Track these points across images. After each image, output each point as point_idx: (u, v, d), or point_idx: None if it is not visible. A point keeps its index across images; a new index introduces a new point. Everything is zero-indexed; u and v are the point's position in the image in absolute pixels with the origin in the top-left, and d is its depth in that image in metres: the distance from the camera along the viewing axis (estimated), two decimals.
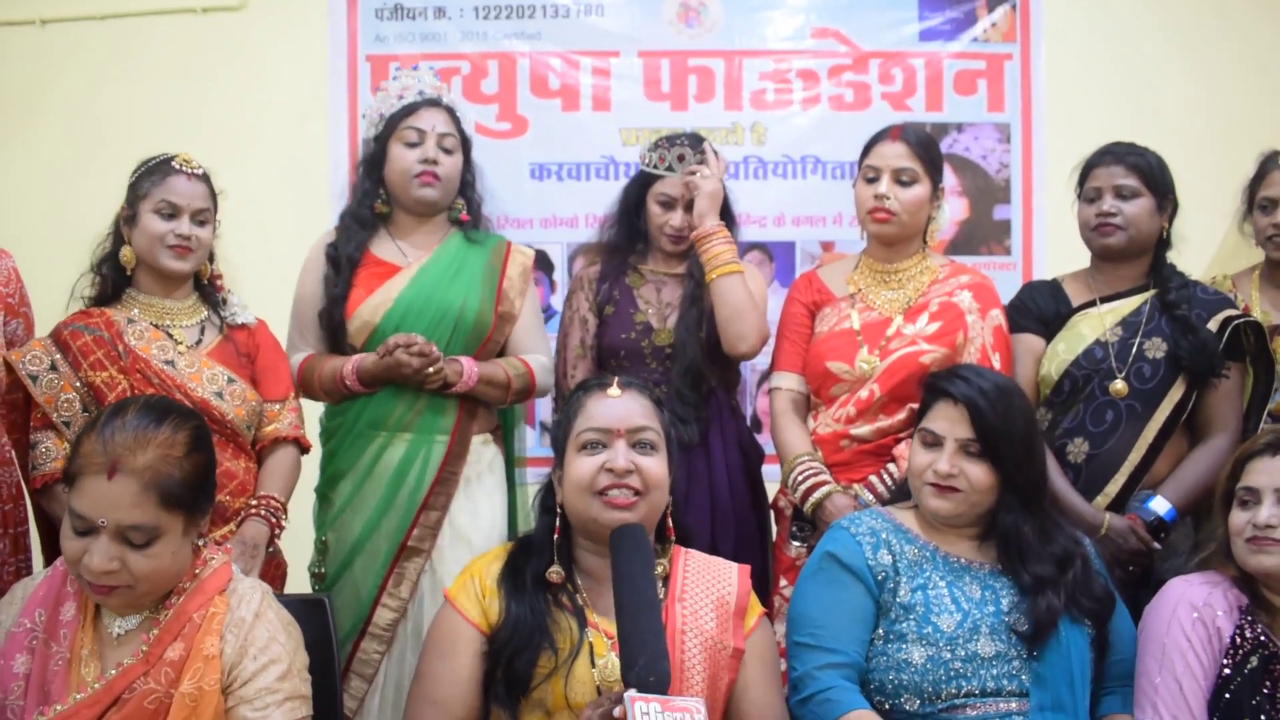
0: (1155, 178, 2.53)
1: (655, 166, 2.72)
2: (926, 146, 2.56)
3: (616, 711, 1.49)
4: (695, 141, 2.73)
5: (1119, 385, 2.47)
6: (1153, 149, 2.60)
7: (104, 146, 3.55)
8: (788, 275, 3.54)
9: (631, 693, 1.48)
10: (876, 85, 3.62)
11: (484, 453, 2.61)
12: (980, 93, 3.64)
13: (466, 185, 2.69)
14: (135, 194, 2.36)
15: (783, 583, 2.59)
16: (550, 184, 3.58)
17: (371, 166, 2.64)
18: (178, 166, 2.37)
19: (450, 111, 2.65)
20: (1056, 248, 3.64)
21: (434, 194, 2.59)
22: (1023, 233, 3.66)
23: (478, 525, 2.53)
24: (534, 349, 2.65)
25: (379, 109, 2.64)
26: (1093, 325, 2.54)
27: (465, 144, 2.67)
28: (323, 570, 2.56)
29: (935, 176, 2.57)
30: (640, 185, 2.77)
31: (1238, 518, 1.93)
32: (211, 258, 2.46)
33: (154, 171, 2.36)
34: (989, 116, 3.64)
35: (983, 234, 3.63)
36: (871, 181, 2.54)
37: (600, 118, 3.57)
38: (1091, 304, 2.57)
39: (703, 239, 2.63)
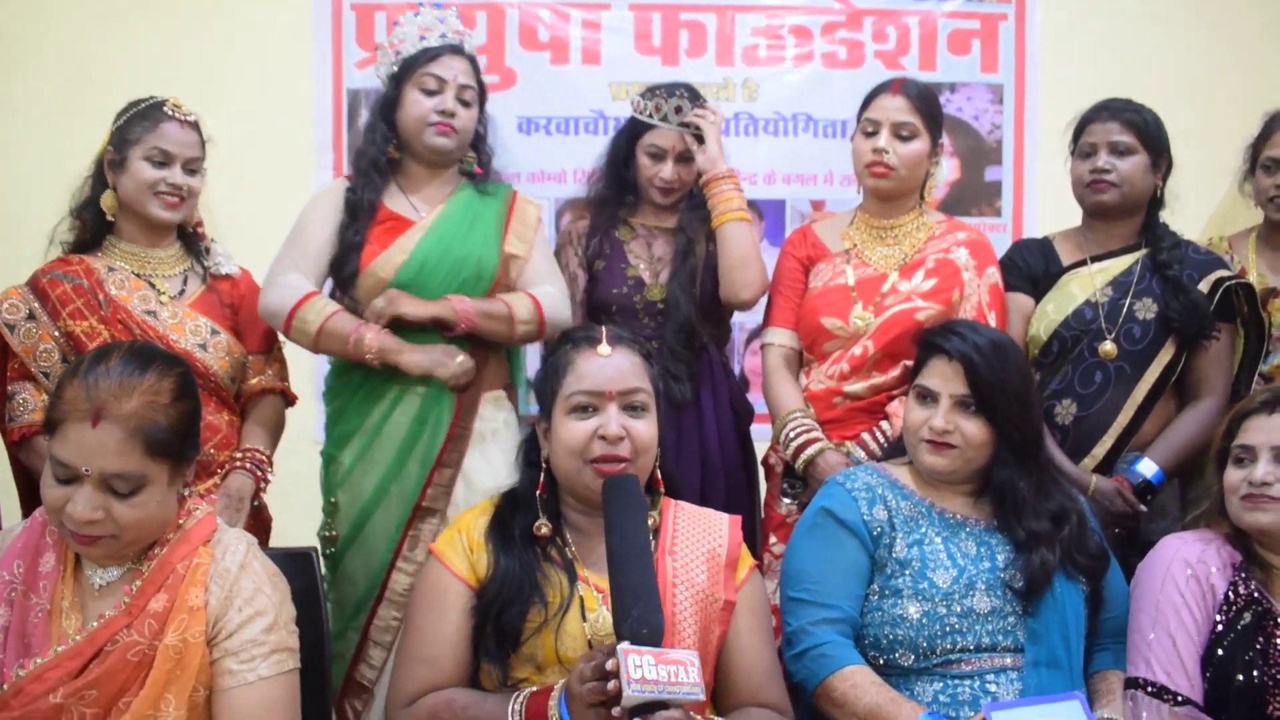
0: (1151, 135, 2.51)
1: (650, 115, 2.67)
2: (927, 101, 2.52)
3: (609, 664, 1.46)
4: (693, 94, 2.69)
5: (1108, 347, 2.45)
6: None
7: (85, 91, 3.44)
8: (777, 234, 3.50)
9: (625, 645, 1.46)
10: (870, 43, 3.56)
11: (497, 412, 2.54)
12: (974, 53, 3.59)
13: (479, 138, 2.60)
14: (124, 138, 2.29)
15: (773, 540, 2.58)
16: (538, 138, 3.51)
17: (386, 109, 2.52)
18: (170, 112, 2.31)
19: (472, 61, 2.53)
20: (1047, 210, 3.61)
21: (449, 144, 2.48)
22: (1014, 194, 3.63)
23: (495, 483, 2.42)
24: (543, 280, 2.54)
25: (397, 47, 2.51)
26: (1083, 285, 2.52)
27: (482, 95, 2.57)
28: (334, 533, 2.48)
29: (935, 132, 2.53)
30: (629, 137, 2.72)
31: (1233, 475, 1.93)
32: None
33: (145, 116, 2.29)
34: (982, 77, 3.59)
35: (973, 195, 3.60)
36: (870, 135, 2.50)
37: (590, 71, 3.50)
38: (1082, 263, 2.55)
39: (715, 181, 2.59)
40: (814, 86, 3.54)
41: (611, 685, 1.44)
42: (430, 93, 2.46)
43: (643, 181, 2.70)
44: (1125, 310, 2.46)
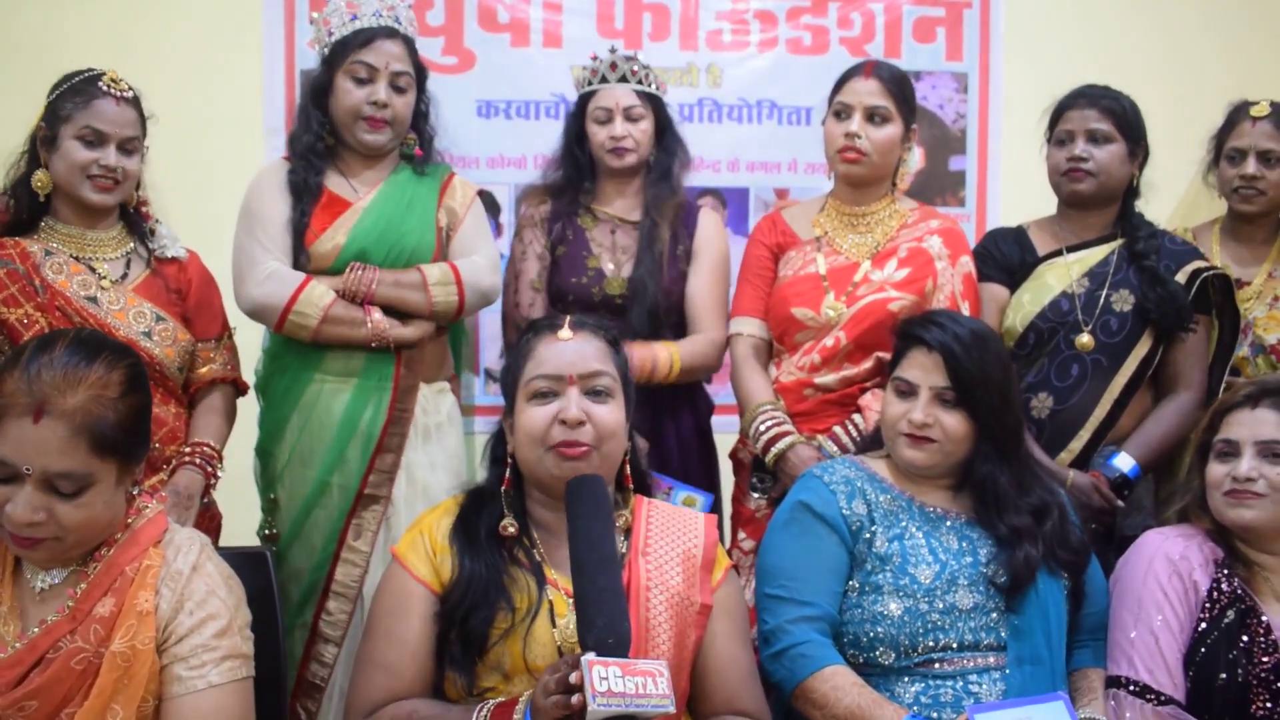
0: (1129, 123, 2.48)
1: (590, 82, 2.64)
2: (900, 84, 2.46)
3: (574, 677, 1.38)
4: (627, 56, 2.65)
5: (1085, 339, 2.42)
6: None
7: (21, 62, 3.31)
8: (740, 222, 3.45)
9: (590, 656, 1.38)
10: (835, 29, 3.53)
11: (442, 403, 2.47)
12: (939, 41, 3.57)
13: (420, 118, 2.51)
14: (56, 115, 2.16)
15: (741, 535, 2.53)
16: (498, 122, 3.43)
17: (318, 95, 2.43)
18: (105, 88, 2.17)
19: (407, 42, 2.43)
20: (1012, 199, 3.61)
21: (381, 139, 2.41)
22: (978, 184, 3.62)
23: (437, 478, 2.39)
24: (470, 249, 2.46)
25: (328, 24, 2.41)
26: (1059, 275, 2.49)
27: (420, 75, 2.47)
28: (274, 530, 2.41)
29: (908, 116, 2.48)
30: (578, 115, 2.67)
31: (1216, 470, 1.90)
32: (138, 185, 2.27)
33: (78, 92, 2.16)
34: (947, 65, 3.58)
35: (938, 184, 3.58)
36: (842, 119, 2.44)
37: (550, 54, 3.43)
38: (1058, 253, 2.52)
39: (648, 375, 2.50)
40: (778, 72, 3.51)
41: (576, 699, 1.37)
42: (361, 81, 2.37)
43: (597, 152, 2.63)
44: (1102, 302, 2.44)
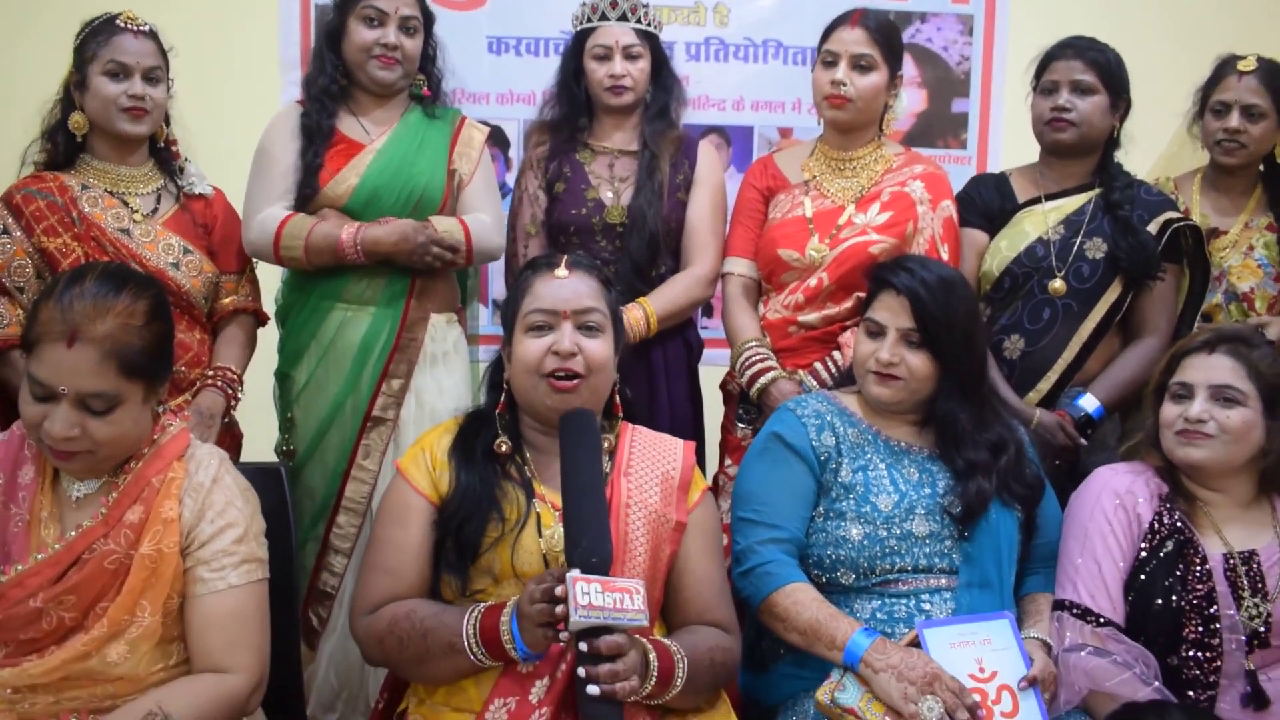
0: (1113, 75, 2.55)
1: (589, 19, 2.70)
2: (886, 33, 2.55)
3: (559, 590, 1.55)
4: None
5: (1057, 284, 2.52)
6: (1112, 46, 2.61)
7: (47, 8, 3.41)
8: (745, 160, 3.52)
9: (574, 573, 1.54)
10: None
11: (449, 332, 2.62)
12: None
13: (428, 60, 2.63)
14: (82, 57, 2.31)
15: (728, 462, 2.67)
16: (508, 58, 3.50)
17: (331, 38, 2.56)
18: (122, 25, 2.31)
19: None
20: (1013, 143, 3.63)
21: (391, 76, 2.53)
22: (979, 127, 3.66)
23: (444, 402, 2.53)
24: (479, 206, 2.60)
25: None
26: (1036, 223, 2.58)
27: (428, 20, 2.59)
28: (291, 447, 2.57)
29: (894, 64, 2.56)
30: (576, 52, 2.73)
31: (1169, 411, 2.02)
32: (167, 120, 2.42)
33: (98, 32, 2.31)
34: (952, 8, 3.60)
35: (940, 127, 3.63)
36: (829, 67, 2.53)
37: None
38: (1036, 201, 2.61)
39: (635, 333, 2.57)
40: (785, 13, 3.54)
41: (559, 609, 1.54)
42: (372, 23, 2.48)
43: (594, 89, 2.69)
44: (1076, 249, 2.53)
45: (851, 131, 2.59)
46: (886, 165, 2.60)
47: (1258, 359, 1.97)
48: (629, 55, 2.67)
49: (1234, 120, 2.66)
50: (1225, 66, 2.72)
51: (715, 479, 2.73)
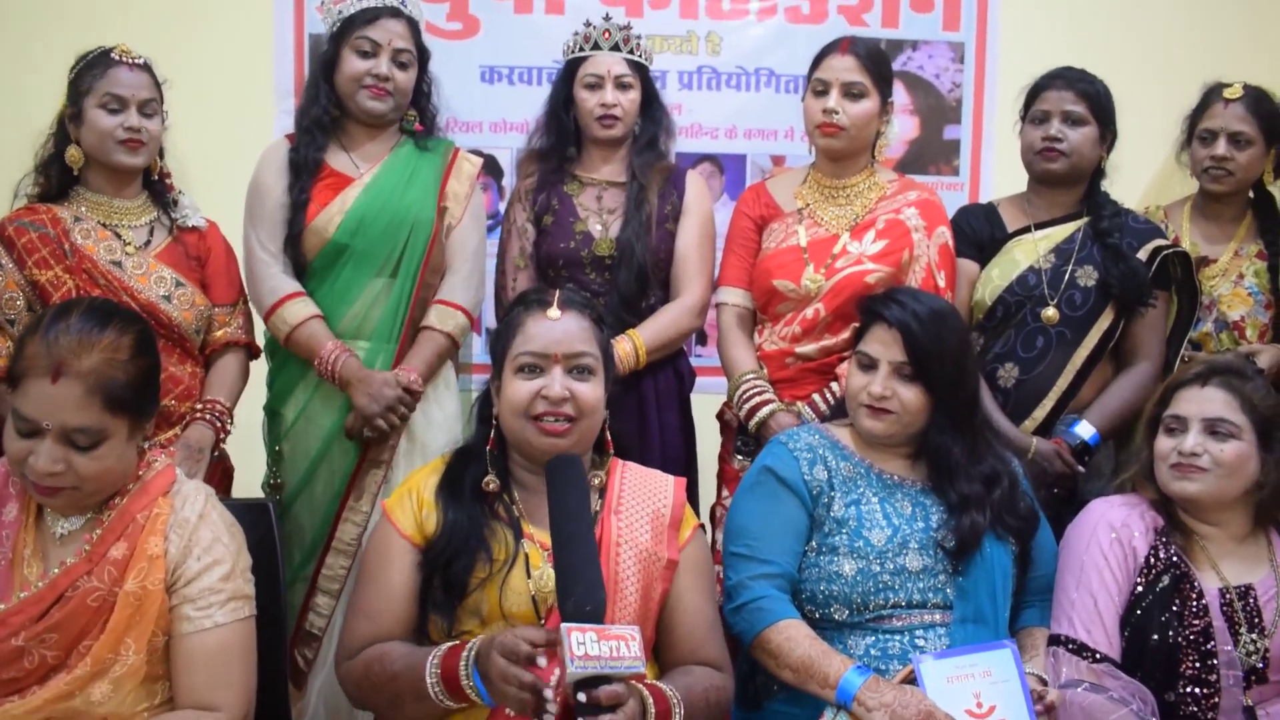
0: (1102, 107, 2.56)
1: (581, 48, 2.69)
2: (876, 60, 2.55)
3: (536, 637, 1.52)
4: (621, 25, 2.70)
5: (1050, 313, 2.52)
6: (1101, 77, 2.62)
7: (41, 39, 3.41)
8: (738, 188, 3.52)
9: (567, 625, 1.50)
10: None
11: (440, 367, 2.57)
12: (936, 10, 3.61)
13: (421, 95, 2.62)
14: (77, 90, 2.30)
15: (725, 493, 2.66)
16: (501, 87, 3.51)
17: (325, 68, 2.55)
18: (117, 57, 2.31)
19: (410, 22, 2.54)
20: (1005, 170, 3.64)
21: (382, 107, 2.51)
22: (971, 154, 3.67)
23: (434, 436, 2.50)
24: (464, 256, 2.56)
25: (339, 4, 2.51)
26: (1027, 251, 2.58)
27: (422, 55, 2.58)
28: (279, 480, 2.54)
29: (884, 90, 2.56)
30: (567, 79, 2.72)
31: (1164, 444, 2.01)
32: (161, 153, 2.41)
33: (94, 65, 2.31)
34: (944, 35, 3.62)
35: (932, 153, 3.64)
36: (820, 95, 2.53)
37: (553, 21, 3.48)
38: (1026, 230, 2.61)
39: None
40: (777, 41, 3.55)
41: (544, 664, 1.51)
42: (365, 55, 2.48)
43: (584, 119, 2.68)
44: (1067, 277, 2.53)
45: (844, 159, 2.59)
46: (880, 192, 2.59)
47: (1250, 391, 1.96)
48: (620, 85, 2.66)
49: (1221, 148, 2.67)
50: (1212, 94, 2.73)
51: (713, 510, 2.72)
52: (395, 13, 2.51)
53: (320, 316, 2.47)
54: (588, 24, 2.72)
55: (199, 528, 1.71)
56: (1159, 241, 2.55)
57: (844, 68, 2.51)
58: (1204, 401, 1.99)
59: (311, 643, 2.50)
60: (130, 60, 2.32)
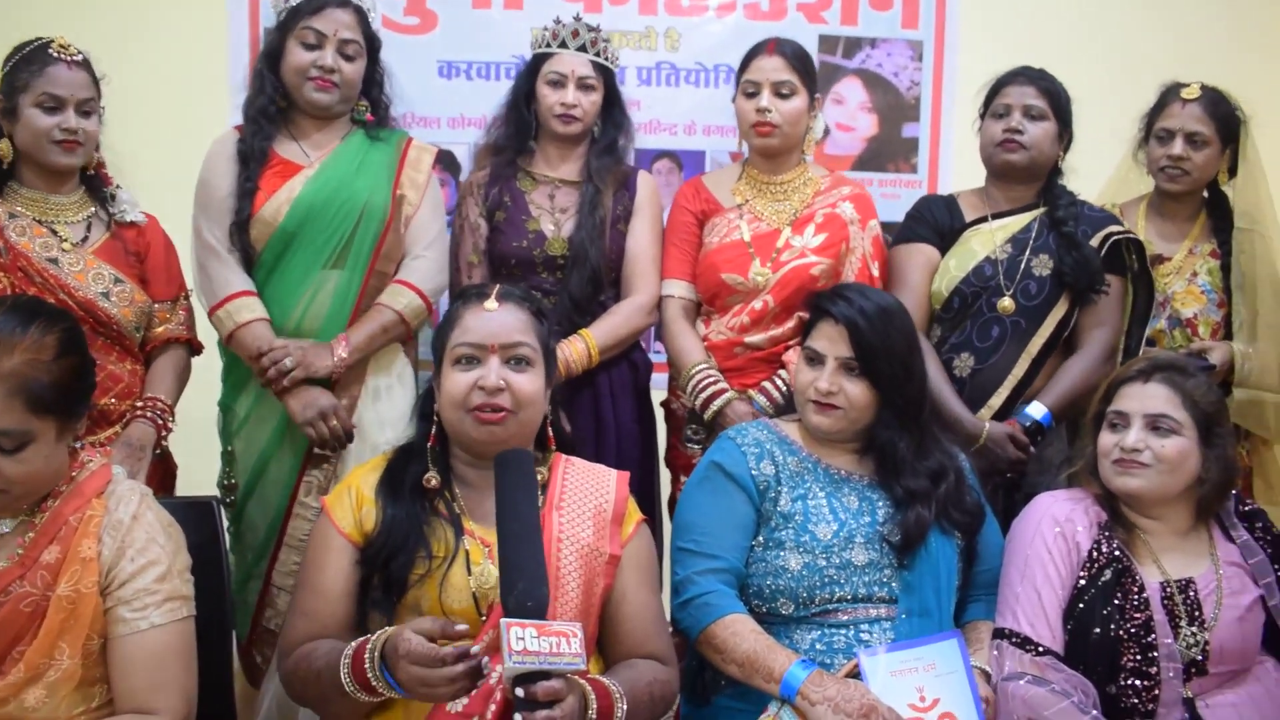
0: (1062, 106, 2.59)
1: (549, 44, 2.69)
2: (802, 59, 2.63)
3: (453, 631, 1.52)
4: (590, 27, 2.70)
5: (1006, 303, 2.54)
6: (1060, 75, 2.65)
7: None
8: None
9: (506, 620, 1.49)
10: None
11: (394, 362, 2.56)
12: (895, 9, 3.61)
13: (373, 86, 2.59)
14: (12, 85, 2.25)
15: (683, 479, 2.66)
16: (459, 83, 3.48)
17: (270, 59, 2.52)
18: (55, 54, 2.26)
19: (358, 11, 2.51)
20: (963, 168, 3.65)
21: (328, 99, 2.48)
22: (930, 151, 3.68)
23: (386, 435, 2.46)
24: (425, 243, 2.55)
25: None
26: (984, 241, 2.60)
27: (371, 45, 2.55)
28: (233, 481, 2.51)
29: (812, 87, 2.64)
30: (530, 74, 2.73)
31: (1106, 440, 2.02)
32: (96, 146, 2.37)
33: (31, 61, 2.25)
34: (902, 33, 3.62)
35: (890, 151, 3.64)
36: (752, 96, 2.60)
37: (512, 16, 3.46)
38: (984, 220, 2.63)
39: (565, 373, 2.53)
40: (736, 38, 3.51)
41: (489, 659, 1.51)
42: (310, 46, 2.45)
43: (543, 114, 2.68)
44: (1023, 266, 2.55)
45: (779, 156, 2.65)
46: (815, 188, 2.66)
47: (1192, 388, 1.98)
48: (583, 86, 2.67)
49: (1177, 147, 2.69)
50: (1169, 94, 2.74)
51: (672, 498, 2.74)
52: (342, 2, 2.48)
53: (267, 320, 2.43)
54: (558, 21, 2.72)
55: (133, 528, 1.68)
56: (1112, 227, 2.58)
57: (773, 68, 2.58)
58: (1146, 398, 2.00)
59: (271, 640, 2.48)
60: (69, 57, 2.27)
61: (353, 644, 1.64)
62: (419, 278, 2.52)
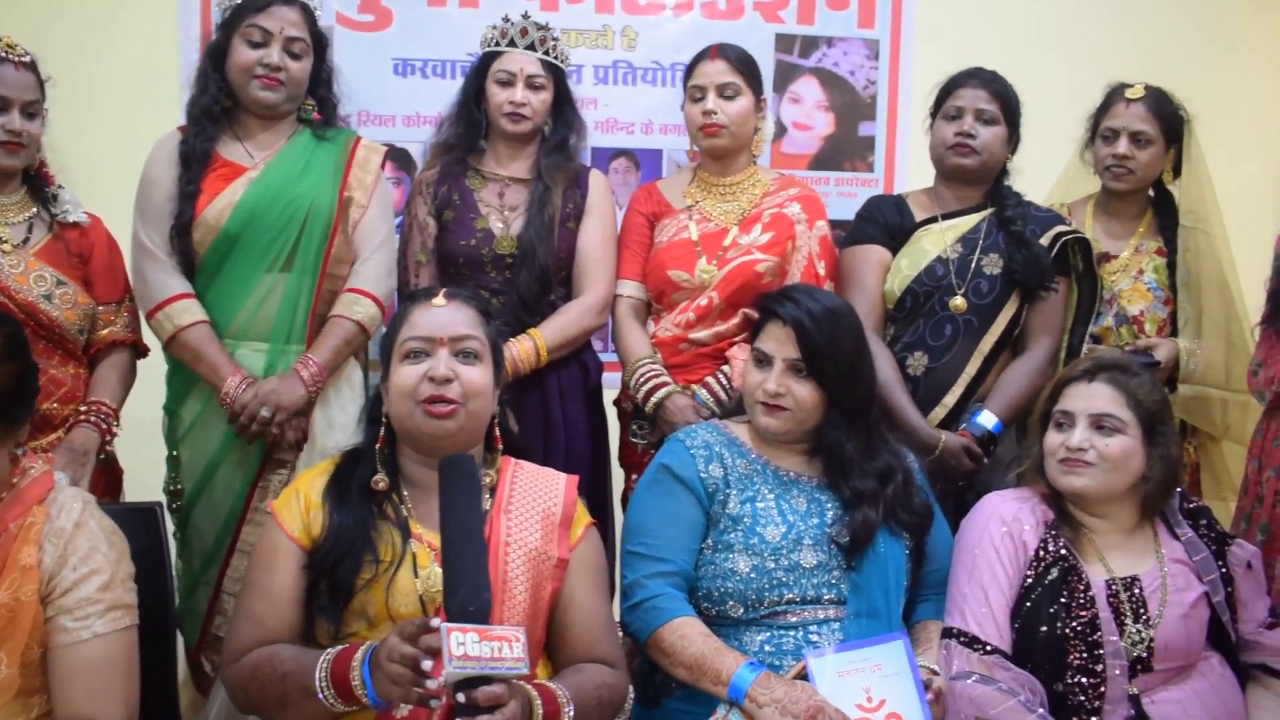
0: (1013, 109, 2.61)
1: (497, 43, 2.68)
2: (745, 61, 2.66)
3: (432, 640, 1.49)
4: (539, 25, 2.69)
5: (958, 301, 2.56)
6: (1012, 75, 2.67)
7: None
8: None
9: (447, 624, 1.48)
10: None
11: (344, 366, 2.52)
12: (851, 8, 3.63)
13: (320, 84, 2.55)
14: None
15: (634, 477, 2.68)
16: (414, 80, 3.46)
17: (215, 58, 2.47)
18: (2, 54, 2.23)
19: (304, 9, 2.47)
20: (919, 166, 3.65)
21: (274, 98, 2.45)
22: (886, 150, 3.70)
23: (335, 439, 2.42)
24: (374, 245, 2.51)
25: None
26: (934, 241, 2.62)
27: (318, 43, 2.52)
28: (179, 486, 2.47)
29: (757, 89, 2.67)
30: (479, 72, 2.72)
31: (1052, 439, 2.04)
32: (38, 148, 2.33)
33: None
34: (859, 32, 3.64)
35: (847, 150, 3.66)
36: (698, 100, 2.64)
37: (467, 13, 3.45)
38: (934, 220, 2.65)
39: (513, 372, 2.52)
40: (693, 36, 3.53)
41: (428, 666, 1.48)
42: (256, 45, 2.42)
43: (493, 112, 2.67)
44: (974, 266, 2.57)
45: (727, 157, 2.69)
46: (764, 189, 2.70)
47: (1136, 387, 2.00)
48: (532, 85, 2.66)
49: (1122, 146, 2.71)
50: (1114, 94, 2.77)
51: (623, 496, 2.76)
52: (288, 0, 2.44)
53: (208, 322, 2.40)
54: (506, 20, 2.71)
55: (75, 536, 1.66)
56: (1060, 227, 2.61)
57: (716, 71, 2.62)
58: (1091, 397, 2.02)
59: (218, 646, 2.44)
60: (16, 58, 2.23)
61: (331, 651, 1.65)
62: (372, 284, 2.49)
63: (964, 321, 2.57)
